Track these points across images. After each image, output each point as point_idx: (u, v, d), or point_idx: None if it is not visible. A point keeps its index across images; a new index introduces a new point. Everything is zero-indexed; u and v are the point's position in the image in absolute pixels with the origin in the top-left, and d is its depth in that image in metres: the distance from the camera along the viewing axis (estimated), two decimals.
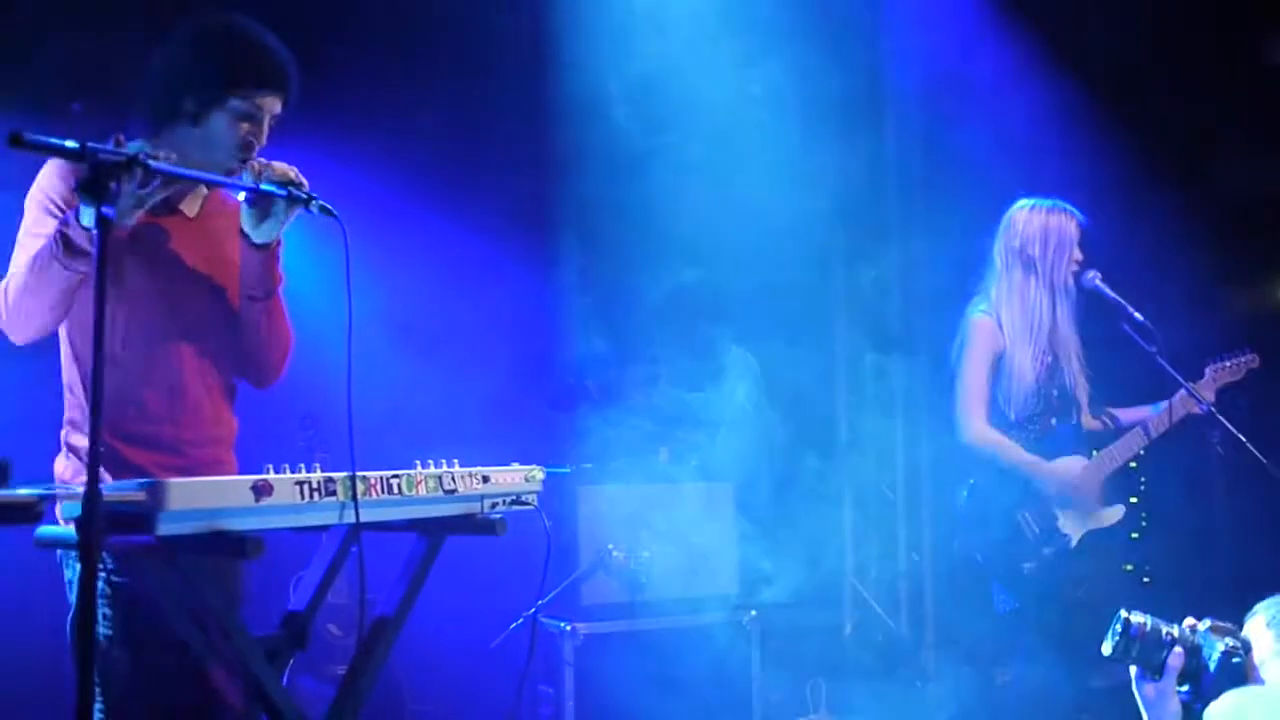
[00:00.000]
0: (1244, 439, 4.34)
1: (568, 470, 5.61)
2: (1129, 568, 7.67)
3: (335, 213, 2.88)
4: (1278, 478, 4.32)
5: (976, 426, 4.60)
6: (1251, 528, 6.07)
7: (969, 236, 5.03)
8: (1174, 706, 2.97)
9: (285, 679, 2.94)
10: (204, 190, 3.20)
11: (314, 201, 2.90)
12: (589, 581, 5.51)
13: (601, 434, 6.16)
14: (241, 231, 3.08)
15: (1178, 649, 2.96)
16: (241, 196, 3.04)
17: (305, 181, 2.96)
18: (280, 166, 2.95)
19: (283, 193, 2.91)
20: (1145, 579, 7.81)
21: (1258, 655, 2.95)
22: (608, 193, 6.08)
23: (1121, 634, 3.03)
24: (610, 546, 5.50)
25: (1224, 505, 5.01)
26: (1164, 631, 2.99)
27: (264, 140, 3.08)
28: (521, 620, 5.30)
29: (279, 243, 3.13)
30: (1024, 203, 4.75)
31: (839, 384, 7.44)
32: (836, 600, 7.30)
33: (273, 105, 3.09)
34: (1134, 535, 7.74)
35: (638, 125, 5.89)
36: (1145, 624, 3.03)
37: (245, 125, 3.05)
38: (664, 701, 5.45)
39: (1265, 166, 6.51)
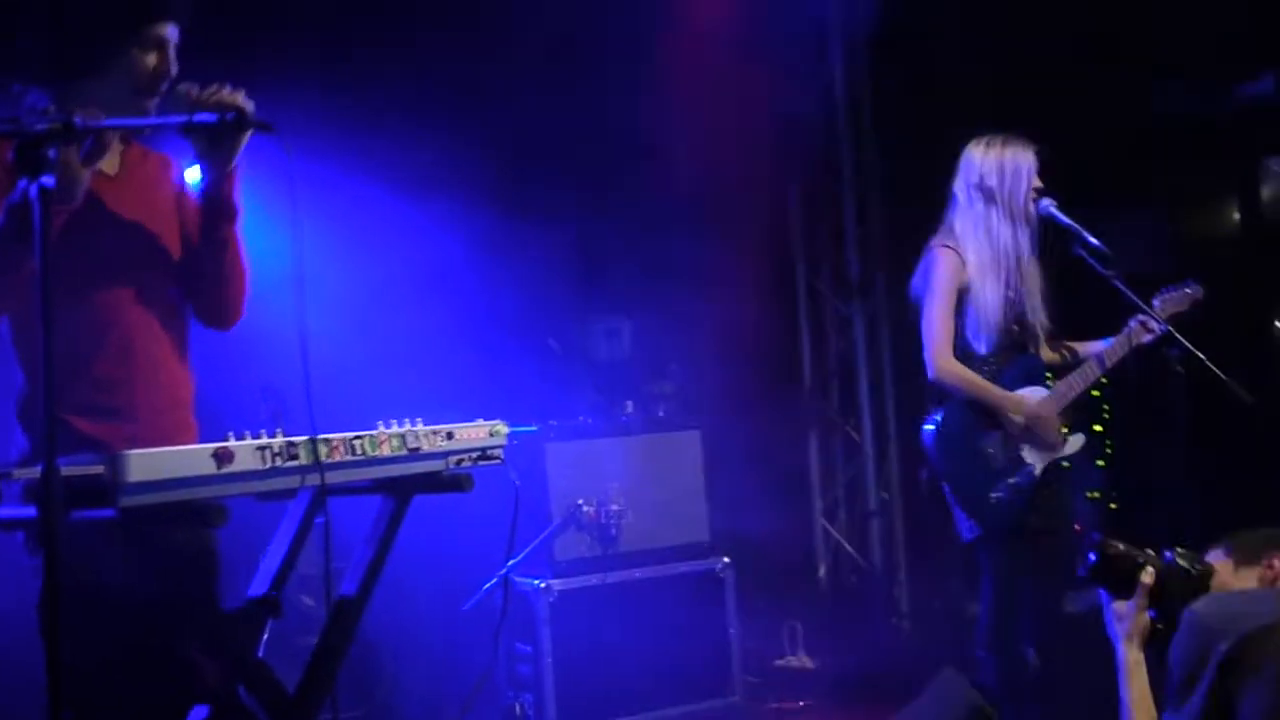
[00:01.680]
0: (1203, 357, 4.36)
1: (534, 429, 5.60)
2: (1096, 495, 7.76)
3: (273, 127, 2.79)
4: (1239, 395, 4.33)
5: (944, 361, 4.61)
6: (1212, 451, 6.14)
7: (926, 176, 5.01)
8: (1143, 622, 3.01)
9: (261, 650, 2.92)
10: (118, 144, 3.11)
11: (249, 116, 2.81)
12: (561, 538, 5.50)
13: (566, 390, 6.16)
14: (179, 177, 3.01)
15: (1149, 568, 3.00)
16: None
17: (244, 103, 2.86)
18: (211, 89, 2.84)
19: (215, 117, 2.81)
20: (1112, 505, 7.90)
21: (1220, 580, 3.00)
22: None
23: (1095, 556, 3.08)
24: (580, 502, 5.49)
25: (1185, 429, 5.05)
26: (1135, 554, 3.04)
27: (174, 68, 3.00)
28: (495, 580, 5.29)
29: (236, 170, 3.05)
30: (979, 138, 4.74)
31: (801, 328, 7.45)
32: (809, 543, 7.34)
33: (173, 33, 3.00)
34: (1100, 463, 7.82)
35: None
36: (1117, 547, 3.08)
37: (153, 58, 2.98)
38: (642, 652, 5.48)
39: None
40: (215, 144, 2.96)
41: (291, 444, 2.62)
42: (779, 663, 6.39)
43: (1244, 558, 3.01)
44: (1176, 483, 6.34)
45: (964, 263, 4.62)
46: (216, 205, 3.05)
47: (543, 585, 5.39)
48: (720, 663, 5.69)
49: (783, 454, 7.17)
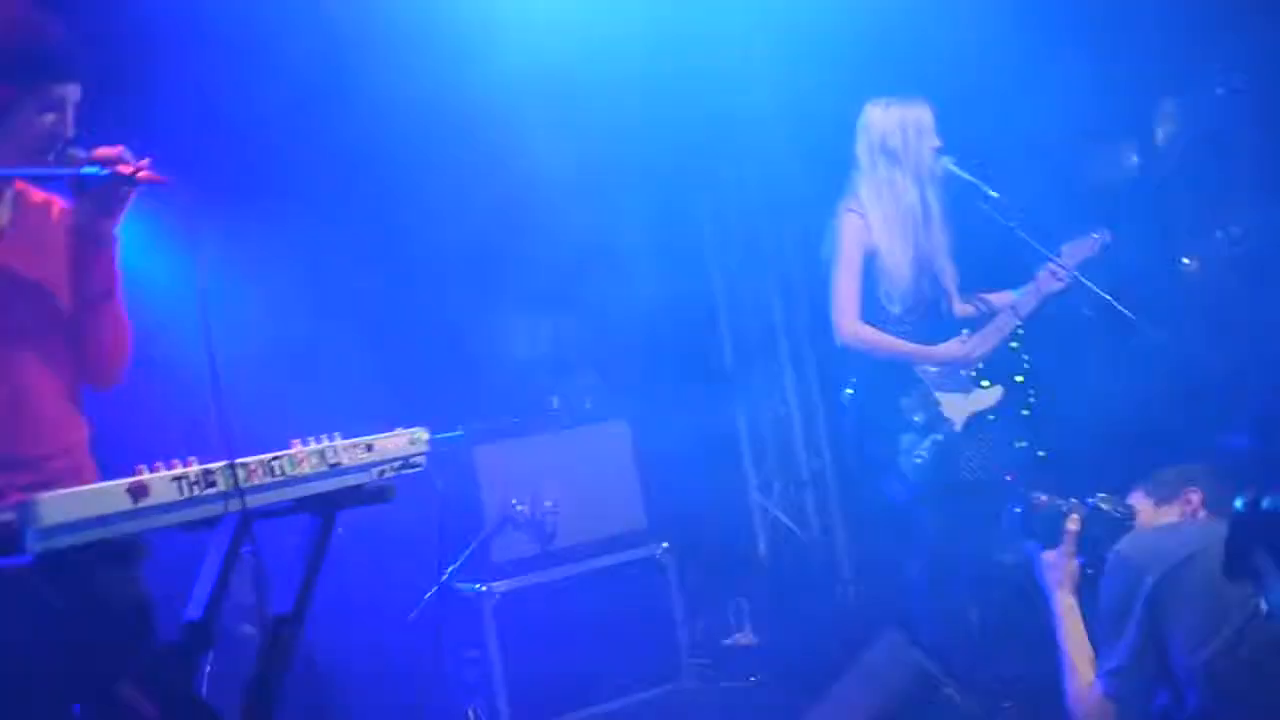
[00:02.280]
0: (1110, 298, 4.43)
1: (460, 433, 5.56)
2: (1022, 444, 7.84)
3: (165, 178, 2.77)
4: (1149, 334, 4.41)
5: (850, 326, 4.65)
6: (1128, 391, 6.24)
7: (830, 142, 5.03)
8: (1072, 569, 3.07)
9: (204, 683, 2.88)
10: (9, 196, 3.05)
11: (140, 173, 2.78)
12: (498, 539, 5.48)
13: (490, 391, 6.13)
14: (74, 231, 2.97)
15: (1074, 515, 3.06)
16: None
17: (134, 161, 2.83)
18: (102, 150, 2.82)
19: (106, 173, 2.78)
20: (1040, 453, 8.00)
21: (1143, 521, 3.07)
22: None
23: (1021, 509, 3.14)
24: (513, 501, 5.47)
25: (1102, 373, 5.14)
26: (1059, 504, 3.10)
27: (71, 130, 2.95)
28: (436, 589, 5.27)
29: (116, 239, 3.01)
30: (877, 99, 4.78)
31: (718, 306, 7.46)
32: (746, 519, 7.36)
33: (74, 93, 2.95)
34: (1024, 413, 7.91)
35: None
36: (1042, 499, 3.13)
37: (50, 117, 2.93)
38: (590, 646, 5.48)
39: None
40: (101, 205, 2.92)
41: (208, 471, 2.59)
42: (727, 642, 6.41)
43: (1163, 495, 3.08)
44: (1099, 426, 6.46)
45: (869, 225, 4.66)
46: (98, 275, 3.01)
47: (484, 588, 5.36)
48: (668, 648, 5.70)
49: (712, 433, 7.18)
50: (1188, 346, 8.04)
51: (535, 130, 6.06)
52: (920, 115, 4.68)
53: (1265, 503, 2.54)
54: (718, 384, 7.37)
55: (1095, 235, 4.81)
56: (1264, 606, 2.56)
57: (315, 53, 5.44)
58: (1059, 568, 3.10)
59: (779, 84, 7.14)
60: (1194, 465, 3.17)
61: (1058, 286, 4.67)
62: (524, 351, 6.36)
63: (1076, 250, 4.79)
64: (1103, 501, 3.11)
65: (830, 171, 4.97)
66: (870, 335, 4.65)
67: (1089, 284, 4.51)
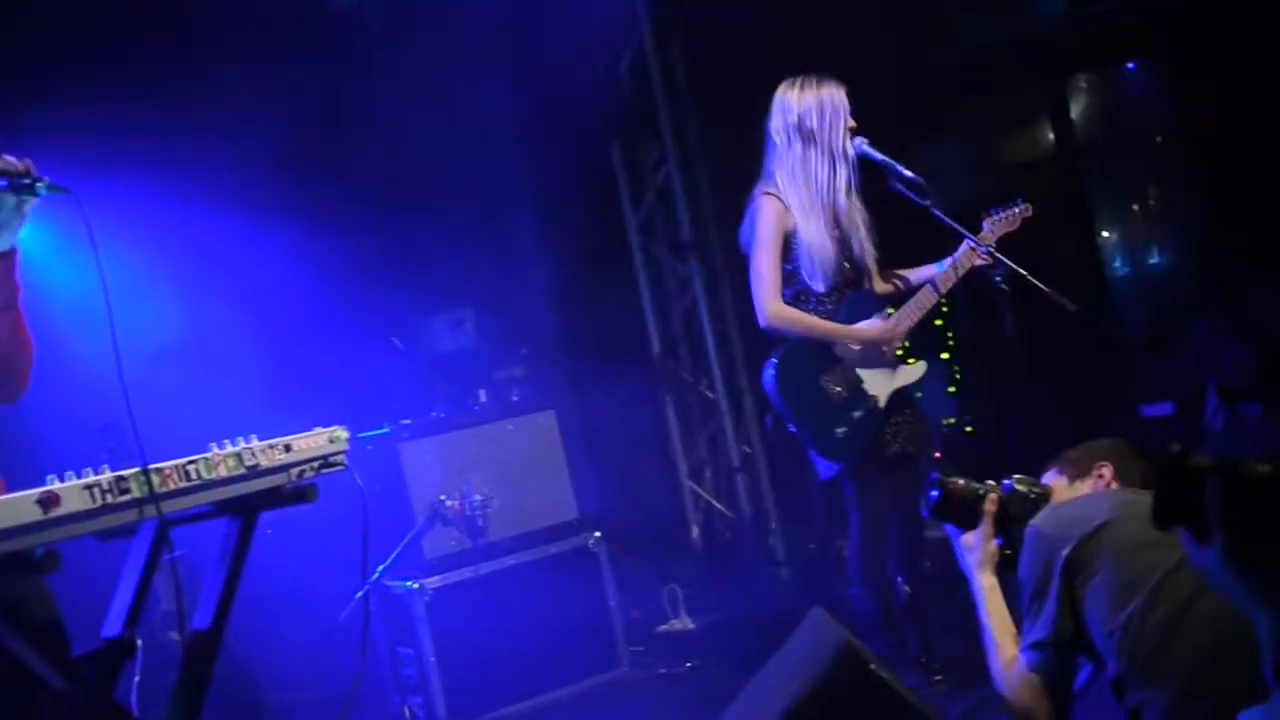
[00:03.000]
0: (1026, 274, 4.47)
1: (386, 430, 5.53)
2: (951, 421, 7.94)
3: (67, 189, 2.72)
4: (1066, 307, 4.45)
5: (772, 307, 4.66)
6: (1051, 365, 6.33)
7: (745, 127, 5.03)
8: (991, 549, 3.10)
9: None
10: None
11: (41, 183, 2.74)
12: (428, 536, 5.44)
13: (415, 387, 6.08)
14: None
15: (991, 496, 3.09)
16: None
17: (34, 172, 2.78)
18: (2, 160, 2.77)
19: (2, 183, 2.73)
20: (968, 429, 8.10)
21: (1058, 499, 3.10)
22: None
23: (938, 493, 3.16)
24: (442, 497, 5.43)
25: (1024, 348, 5.18)
26: (975, 487, 3.13)
27: None
28: (366, 588, 5.22)
29: (15, 251, 2.95)
30: (792, 80, 4.78)
31: (642, 294, 7.47)
32: (678, 506, 7.38)
33: None
34: (951, 390, 8.00)
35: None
36: (958, 482, 3.16)
37: None
38: (526, 639, 5.46)
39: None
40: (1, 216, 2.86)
41: (121, 478, 2.55)
42: (662, 628, 6.42)
43: (1076, 472, 3.11)
44: (1021, 402, 6.54)
45: (787, 207, 4.66)
46: None
47: (416, 586, 5.33)
48: (604, 637, 5.70)
49: (642, 421, 7.19)
50: (1109, 318, 8.19)
51: (452, 121, 6.03)
52: (835, 95, 4.68)
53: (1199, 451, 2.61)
54: (645, 372, 7.37)
55: (1018, 209, 4.85)
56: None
57: (221, 49, 5.38)
58: (978, 549, 3.13)
59: (691, 68, 7.17)
60: (1103, 441, 3.20)
61: (977, 262, 4.70)
62: (448, 346, 6.31)
63: (1001, 224, 4.82)
64: (1018, 483, 3.14)
65: (748, 154, 4.97)
66: (794, 316, 4.66)
67: (1005, 260, 4.54)
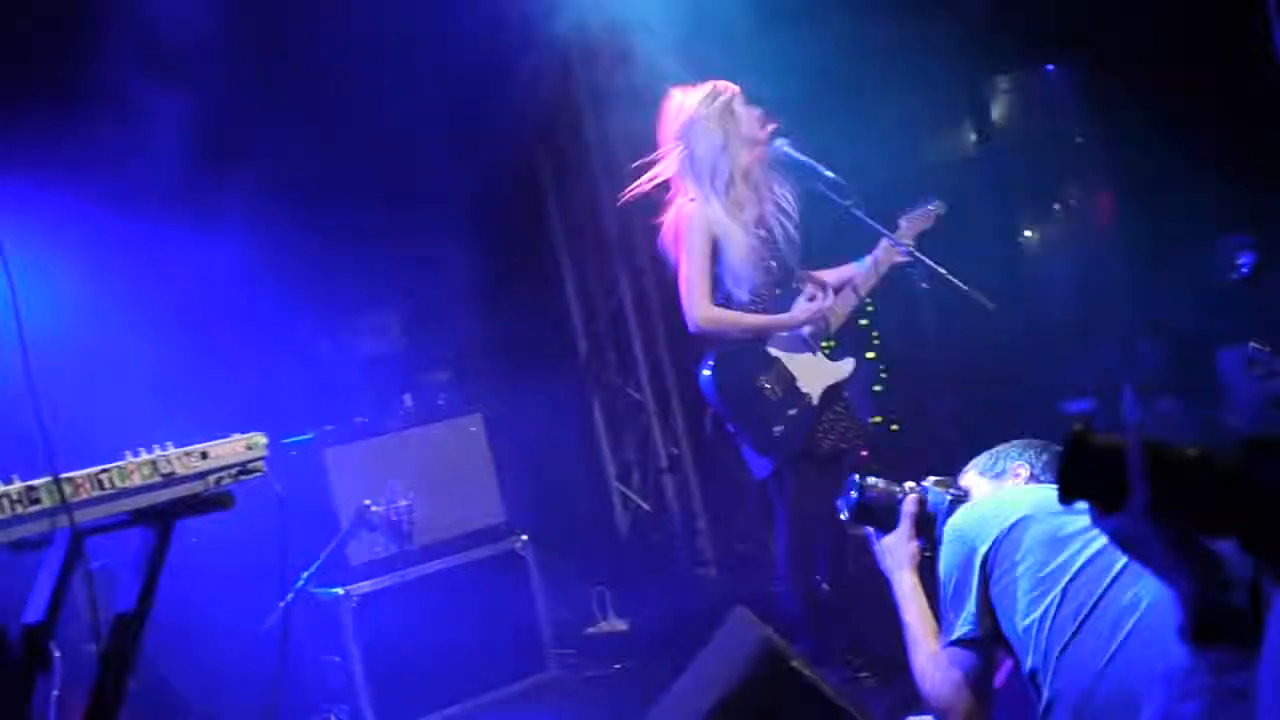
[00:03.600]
0: (945, 272, 4.52)
1: (310, 436, 5.48)
2: (876, 420, 8.00)
3: None
4: (985, 305, 4.51)
5: (702, 310, 4.68)
6: (973, 362, 6.40)
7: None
8: (911, 550, 3.12)
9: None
10: None
11: None
12: (353, 542, 5.40)
13: (339, 392, 6.04)
14: None
15: (911, 497, 3.13)
16: None
17: None
18: None
19: None
20: (894, 427, 8.17)
21: (976, 498, 3.14)
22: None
23: (855, 498, 3.18)
24: (367, 502, 5.39)
25: (947, 346, 5.25)
26: (894, 490, 3.16)
27: None
28: (291, 596, 5.18)
29: None
30: (691, 87, 4.81)
31: (569, 297, 7.46)
32: (607, 508, 7.38)
33: None
34: (876, 389, 8.07)
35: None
36: (876, 485, 3.19)
37: None
38: (453, 643, 5.44)
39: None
40: None
41: (31, 488, 2.51)
42: (591, 630, 6.41)
43: (993, 473, 3.14)
44: (944, 400, 6.61)
45: (710, 211, 4.69)
46: None
47: (342, 592, 5.28)
48: (532, 640, 5.68)
49: (569, 424, 7.19)
50: (1029, 317, 8.30)
51: (375, 123, 5.98)
52: (736, 98, 4.72)
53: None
54: (572, 374, 7.37)
55: (931, 206, 4.90)
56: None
57: (136, 47, 5.30)
58: (898, 550, 3.15)
59: (615, 70, 7.16)
60: (1018, 442, 3.24)
61: (897, 260, 4.75)
62: (373, 350, 6.27)
63: (916, 221, 4.87)
64: (936, 484, 3.18)
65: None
66: (723, 315, 4.69)
67: (924, 258, 4.59)
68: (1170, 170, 6.88)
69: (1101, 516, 2.07)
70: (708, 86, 4.76)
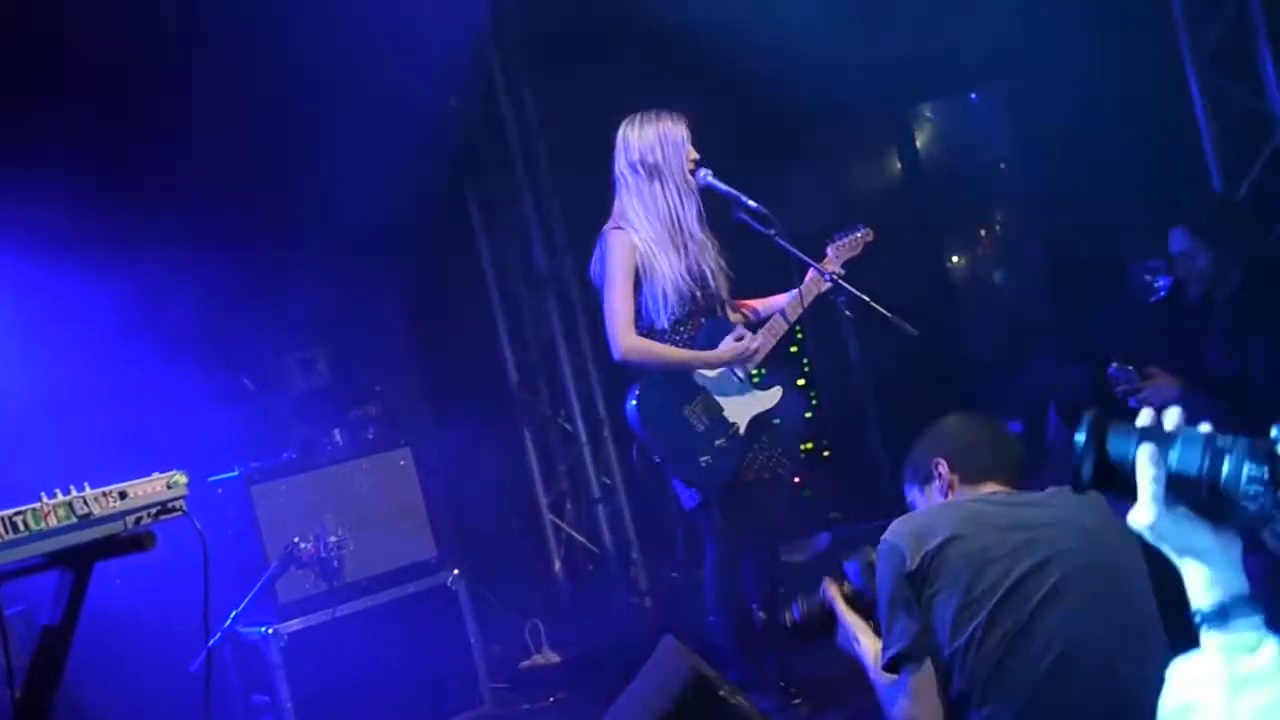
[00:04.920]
0: (868, 299, 4.56)
1: (236, 473, 5.42)
2: (808, 446, 8.05)
3: None
4: (908, 332, 4.55)
5: (626, 340, 4.68)
6: (902, 388, 6.45)
7: (598, 160, 5.06)
8: (860, 625, 3.13)
9: None
10: None
11: None
12: (282, 579, 5.33)
13: (266, 428, 5.98)
14: None
15: (831, 590, 3.17)
16: None
17: None
18: None
19: None
20: (825, 454, 8.22)
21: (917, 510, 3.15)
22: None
23: (793, 624, 3.22)
24: (296, 539, 5.34)
25: (874, 372, 5.28)
26: (814, 598, 3.21)
27: None
28: (218, 636, 5.11)
29: None
30: (631, 117, 4.83)
31: (499, 329, 7.45)
32: (540, 540, 7.35)
33: None
34: (808, 415, 8.12)
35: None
36: (804, 606, 3.24)
37: None
38: (385, 680, 5.38)
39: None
40: None
41: None
42: (525, 664, 6.38)
43: (921, 477, 3.16)
44: (875, 425, 6.65)
45: (636, 241, 4.70)
46: None
47: (271, 631, 5.22)
48: (465, 675, 5.64)
49: (501, 457, 7.16)
50: (957, 342, 8.39)
51: (301, 156, 5.95)
52: (675, 128, 4.74)
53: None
54: (503, 406, 7.35)
55: (859, 233, 4.94)
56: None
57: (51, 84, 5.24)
58: (847, 628, 3.16)
59: (542, 101, 7.20)
60: (933, 430, 3.23)
61: (822, 289, 4.78)
62: (301, 386, 6.22)
63: (843, 249, 4.90)
64: (866, 555, 3.19)
65: (601, 187, 5.00)
66: (648, 347, 4.69)
67: (847, 285, 4.63)
68: (1091, 195, 7.00)
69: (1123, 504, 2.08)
70: (638, 116, 4.78)
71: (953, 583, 2.79)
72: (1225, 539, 1.58)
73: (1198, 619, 1.58)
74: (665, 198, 4.71)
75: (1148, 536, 1.60)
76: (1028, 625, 2.74)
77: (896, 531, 2.94)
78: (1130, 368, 4.85)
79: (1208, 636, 1.56)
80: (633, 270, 4.70)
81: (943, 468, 3.11)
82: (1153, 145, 6.56)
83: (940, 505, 3.08)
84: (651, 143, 4.71)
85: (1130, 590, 2.83)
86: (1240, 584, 1.57)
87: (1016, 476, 3.13)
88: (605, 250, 4.73)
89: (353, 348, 6.51)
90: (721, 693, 2.78)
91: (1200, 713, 1.52)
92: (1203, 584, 1.58)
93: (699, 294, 4.79)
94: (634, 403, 4.73)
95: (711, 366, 4.73)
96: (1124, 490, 1.96)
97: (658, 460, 4.77)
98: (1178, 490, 1.61)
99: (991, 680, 2.74)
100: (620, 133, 4.79)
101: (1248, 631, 1.54)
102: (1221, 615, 1.56)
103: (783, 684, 4.80)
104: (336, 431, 6.02)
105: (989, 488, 3.07)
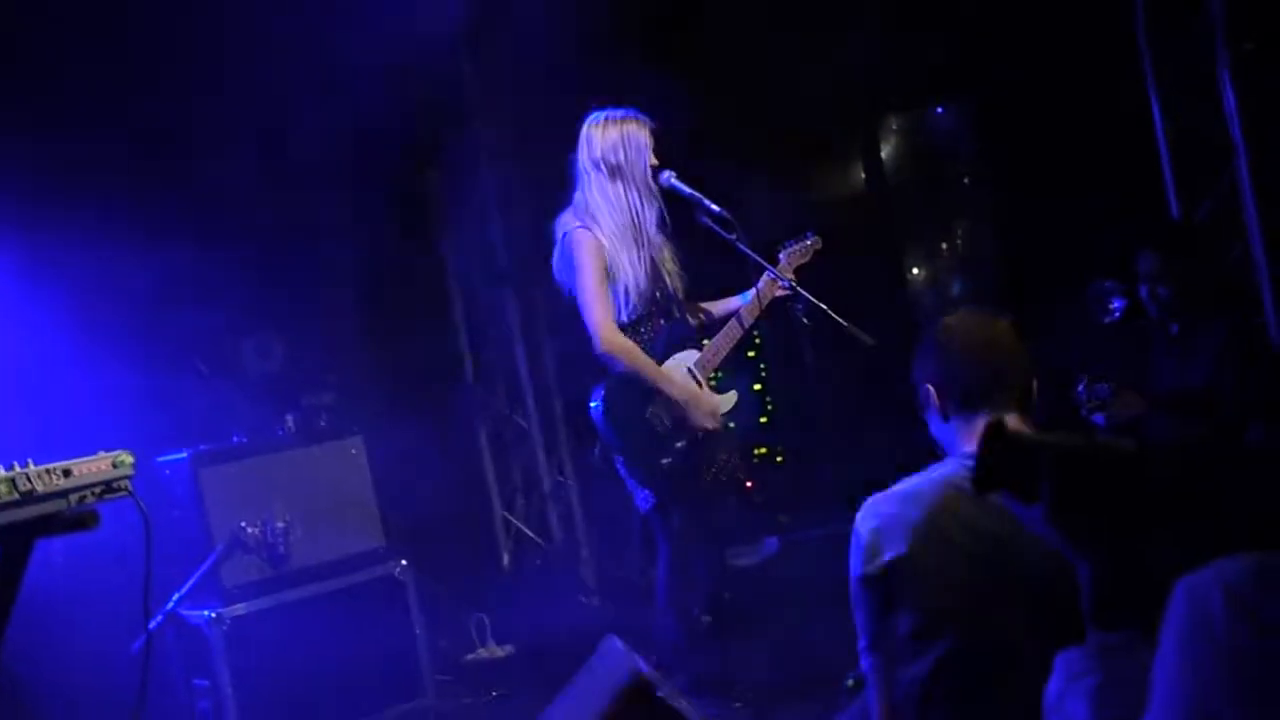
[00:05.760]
0: (825, 307, 4.59)
1: (184, 456, 5.37)
2: (762, 451, 8.08)
3: None
4: (864, 341, 4.58)
5: (608, 334, 4.68)
6: (857, 395, 6.49)
7: (560, 153, 5.06)
8: None
9: None
10: None
11: None
12: (228, 563, 5.30)
13: (217, 412, 5.94)
14: None
15: None
16: None
17: None
18: None
19: None
20: (779, 459, 8.25)
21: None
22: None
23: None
24: (243, 524, 5.30)
25: (829, 379, 5.30)
26: None
27: None
28: (161, 618, 5.08)
29: None
30: (596, 115, 4.84)
31: (458, 323, 7.43)
32: (490, 535, 7.35)
33: None
34: (763, 420, 8.15)
35: None
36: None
37: None
38: (328, 668, 5.36)
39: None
40: None
41: None
42: (470, 657, 6.38)
43: (920, 402, 2.90)
44: (831, 430, 6.69)
45: (601, 240, 4.71)
46: None
47: (214, 615, 5.18)
48: (409, 666, 5.61)
49: (454, 449, 7.15)
50: (913, 353, 8.42)
51: (262, 142, 5.92)
52: (638, 131, 4.76)
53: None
54: (458, 399, 7.34)
55: (809, 241, 4.98)
56: None
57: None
58: None
59: (506, 98, 7.19)
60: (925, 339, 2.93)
61: (778, 294, 4.81)
62: (255, 371, 6.17)
63: (794, 256, 4.94)
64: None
65: (564, 181, 5.01)
66: (628, 346, 4.70)
67: (804, 292, 4.66)
68: (1052, 213, 7.06)
69: (1020, 506, 2.12)
70: (604, 115, 4.80)
71: (903, 608, 2.76)
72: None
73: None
74: (627, 198, 4.73)
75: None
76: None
77: (868, 513, 2.77)
78: (1102, 384, 4.91)
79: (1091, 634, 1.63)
80: (602, 266, 4.71)
81: (931, 394, 2.82)
82: (1115, 166, 6.63)
83: (911, 485, 2.77)
84: (614, 143, 4.73)
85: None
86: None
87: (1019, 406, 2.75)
88: (573, 248, 4.73)
89: (309, 335, 6.47)
90: (660, 694, 2.79)
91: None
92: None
93: (657, 295, 4.81)
94: (599, 403, 4.75)
95: (667, 390, 4.72)
96: (1021, 494, 2.05)
97: (619, 460, 4.78)
98: None
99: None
100: (585, 128, 4.81)
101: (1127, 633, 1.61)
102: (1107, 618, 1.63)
103: (725, 687, 4.81)
104: (289, 418, 5.98)
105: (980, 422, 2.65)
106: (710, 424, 4.74)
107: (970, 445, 2.72)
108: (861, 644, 2.81)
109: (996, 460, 2.01)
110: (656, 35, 6.39)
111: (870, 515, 2.78)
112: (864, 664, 2.81)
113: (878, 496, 2.79)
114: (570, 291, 4.79)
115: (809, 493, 7.26)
